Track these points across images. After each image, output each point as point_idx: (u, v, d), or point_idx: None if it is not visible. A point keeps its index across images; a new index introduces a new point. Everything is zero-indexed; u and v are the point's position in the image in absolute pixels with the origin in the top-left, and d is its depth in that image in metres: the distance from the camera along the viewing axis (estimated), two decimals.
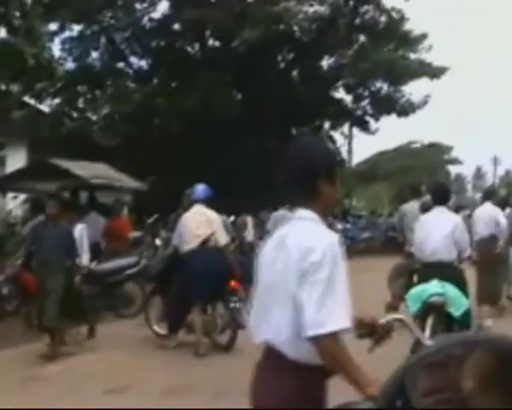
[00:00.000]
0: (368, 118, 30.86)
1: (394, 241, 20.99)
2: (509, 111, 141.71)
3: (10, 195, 17.51)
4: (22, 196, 17.45)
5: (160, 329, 9.88)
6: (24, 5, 13.90)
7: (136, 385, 7.44)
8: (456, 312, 6.45)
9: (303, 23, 26.14)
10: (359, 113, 30.90)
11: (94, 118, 27.94)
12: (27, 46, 12.78)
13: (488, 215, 11.37)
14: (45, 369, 8.25)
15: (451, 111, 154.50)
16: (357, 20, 27.33)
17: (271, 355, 2.79)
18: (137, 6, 27.28)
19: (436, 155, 51.87)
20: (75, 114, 27.42)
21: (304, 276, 2.61)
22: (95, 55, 28.07)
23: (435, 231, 7.55)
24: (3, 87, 16.15)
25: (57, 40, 26.50)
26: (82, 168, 14.93)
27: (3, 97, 16.37)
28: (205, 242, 9.07)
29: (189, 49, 28.59)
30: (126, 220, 14.57)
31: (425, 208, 9.53)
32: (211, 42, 28.07)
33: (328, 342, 2.57)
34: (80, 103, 27.78)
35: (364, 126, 31.21)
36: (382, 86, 29.62)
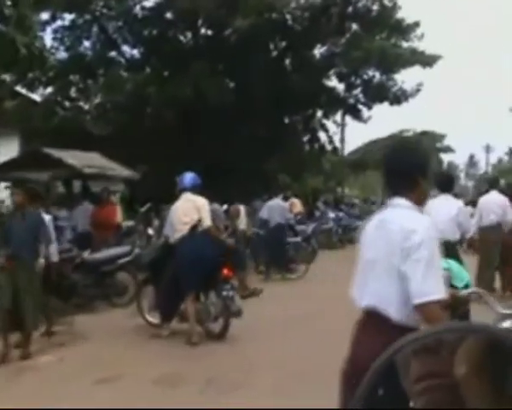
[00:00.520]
0: (360, 106, 30.78)
1: None
2: (501, 99, 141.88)
3: (2, 185, 17.45)
4: None
5: (153, 318, 9.91)
6: None
7: (129, 374, 7.47)
8: (460, 284, 6.93)
9: (295, 11, 26.03)
10: (352, 101, 30.83)
11: (86, 107, 27.81)
12: (19, 35, 12.73)
13: (496, 204, 11.73)
14: (36, 360, 8.23)
15: (444, 99, 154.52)
16: (350, 9, 27.20)
17: (373, 317, 3.29)
18: None
19: (428, 143, 51.93)
20: (67, 104, 27.30)
21: (407, 254, 3.16)
22: (87, 44, 27.89)
23: (442, 214, 8.41)
24: None
25: (49, 29, 26.36)
26: (74, 158, 14.90)
27: None
28: (193, 228, 9.09)
29: (182, 37, 28.44)
30: (114, 208, 14.52)
31: None
32: (203, 31, 27.92)
33: (432, 309, 3.10)
34: (72, 93, 27.61)
35: (357, 115, 31.15)
36: (375, 74, 29.54)
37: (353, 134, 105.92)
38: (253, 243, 16.46)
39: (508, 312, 3.57)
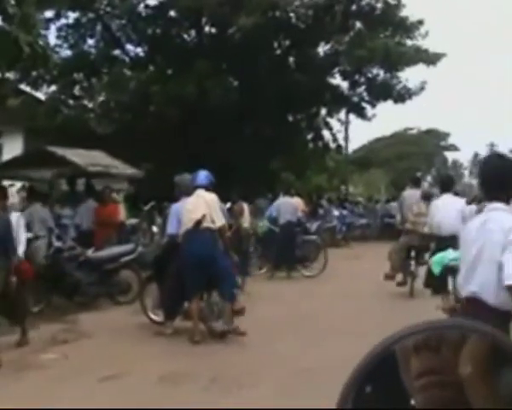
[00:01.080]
0: (364, 104, 30.78)
1: (391, 227, 21.14)
2: (505, 97, 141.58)
3: (6, 183, 17.47)
4: (19, 184, 17.42)
5: (156, 316, 9.91)
6: None
7: (132, 372, 7.46)
8: None
9: (299, 10, 26.00)
10: (356, 99, 30.82)
11: (90, 105, 27.85)
12: (22, 34, 12.72)
13: None
14: (40, 357, 8.22)
15: (448, 97, 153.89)
16: (354, 7, 27.16)
17: (474, 303, 4.01)
18: None
19: (433, 141, 51.86)
20: (71, 102, 27.30)
21: (506, 247, 3.88)
22: (91, 42, 27.96)
23: (449, 211, 9.83)
24: None
25: (53, 28, 26.41)
26: (78, 156, 14.90)
27: None
28: (198, 223, 9.04)
29: (185, 36, 28.46)
30: (116, 206, 14.52)
31: (425, 196, 12.74)
32: (207, 29, 27.94)
33: None
34: (76, 91, 27.65)
35: (361, 113, 31.13)
36: (379, 73, 29.54)
37: (357, 132, 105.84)
38: (265, 240, 16.51)
39: None
